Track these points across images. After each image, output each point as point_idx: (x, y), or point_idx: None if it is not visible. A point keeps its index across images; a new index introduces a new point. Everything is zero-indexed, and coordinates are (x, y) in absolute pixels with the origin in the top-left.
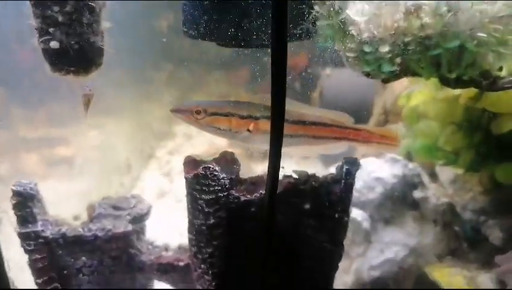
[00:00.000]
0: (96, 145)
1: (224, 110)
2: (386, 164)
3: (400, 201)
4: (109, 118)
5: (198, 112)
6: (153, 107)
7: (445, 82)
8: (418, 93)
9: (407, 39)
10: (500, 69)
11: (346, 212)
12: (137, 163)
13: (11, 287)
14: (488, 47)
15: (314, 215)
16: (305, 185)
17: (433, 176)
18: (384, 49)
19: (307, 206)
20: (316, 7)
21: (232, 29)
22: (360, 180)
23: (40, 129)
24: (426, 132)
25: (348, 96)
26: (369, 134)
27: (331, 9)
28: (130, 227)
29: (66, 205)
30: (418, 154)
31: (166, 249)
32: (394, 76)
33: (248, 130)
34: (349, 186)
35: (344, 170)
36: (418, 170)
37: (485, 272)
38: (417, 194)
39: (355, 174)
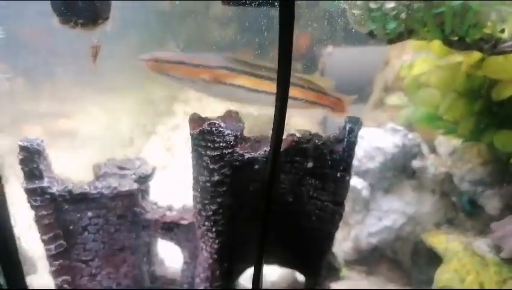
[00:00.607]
0: (100, 120)
1: (177, 58)
2: (387, 134)
3: (399, 170)
4: (112, 94)
5: (156, 60)
6: (155, 85)
7: (448, 43)
8: (420, 62)
9: None
10: (502, 31)
11: (348, 171)
12: (140, 138)
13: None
14: (491, 6)
15: (317, 174)
16: (308, 143)
17: (432, 148)
18: (390, 5)
19: (310, 164)
20: None
21: None
22: (361, 150)
23: (44, 103)
24: (427, 100)
25: (349, 74)
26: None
27: None
28: (135, 186)
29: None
30: (419, 123)
31: (170, 209)
32: (398, 36)
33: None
34: (351, 145)
35: (347, 128)
36: (417, 140)
37: (481, 238)
38: (416, 163)
39: (357, 132)
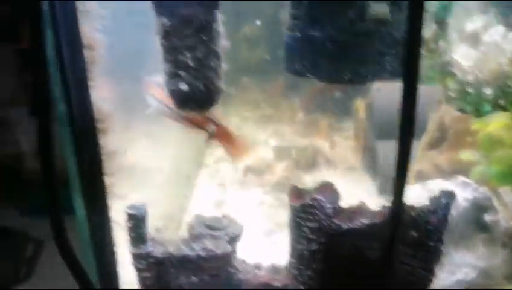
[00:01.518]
0: (153, 154)
1: None
2: (458, 188)
3: (470, 224)
4: (156, 124)
5: None
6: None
7: None
8: (494, 120)
9: (509, 82)
10: None
11: (441, 240)
12: (192, 171)
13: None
14: None
15: (411, 244)
16: (404, 215)
17: (502, 200)
18: (488, 91)
19: (405, 235)
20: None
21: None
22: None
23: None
24: (503, 159)
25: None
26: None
27: (436, 51)
28: (229, 248)
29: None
30: (494, 180)
31: (258, 267)
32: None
33: None
34: (446, 217)
35: (443, 201)
36: (488, 194)
37: None
38: (488, 217)
39: (450, 205)
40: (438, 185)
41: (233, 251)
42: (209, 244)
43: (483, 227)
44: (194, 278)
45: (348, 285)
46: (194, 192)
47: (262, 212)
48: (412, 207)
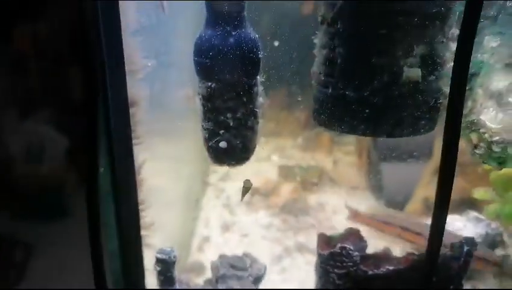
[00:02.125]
0: (160, 172)
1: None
2: (470, 223)
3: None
4: (159, 141)
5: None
6: (197, 129)
7: None
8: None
9: None
10: None
11: (461, 284)
12: (198, 191)
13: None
14: None
15: (433, 288)
16: (426, 261)
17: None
18: None
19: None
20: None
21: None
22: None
23: None
24: None
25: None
26: None
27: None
28: (253, 288)
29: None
30: (508, 219)
31: None
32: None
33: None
34: (467, 263)
35: (465, 250)
36: (500, 229)
37: None
38: (498, 252)
39: (472, 252)
40: (451, 219)
41: None
42: (234, 284)
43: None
44: None
45: None
46: (201, 214)
47: (270, 236)
48: (433, 253)
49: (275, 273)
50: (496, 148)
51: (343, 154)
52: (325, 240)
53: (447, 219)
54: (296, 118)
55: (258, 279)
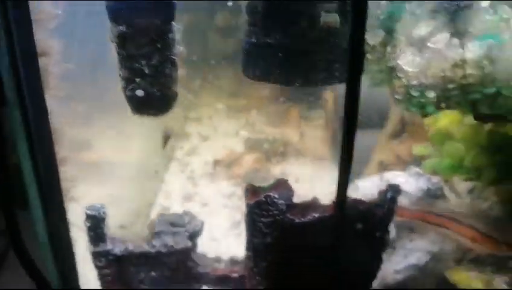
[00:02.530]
0: (121, 148)
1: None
2: (412, 178)
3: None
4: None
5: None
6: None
7: (479, 118)
8: (444, 116)
9: (450, 86)
10: None
11: (387, 231)
12: (161, 165)
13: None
14: None
15: (358, 235)
16: (352, 209)
17: (452, 187)
18: (431, 95)
19: (354, 227)
20: (368, 55)
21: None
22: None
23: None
24: (453, 152)
25: (364, 101)
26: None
27: (384, 57)
28: (188, 243)
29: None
30: (444, 172)
31: (218, 261)
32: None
33: None
34: (391, 210)
35: (388, 196)
36: (440, 183)
37: (501, 275)
38: (439, 204)
39: (395, 198)
40: (393, 176)
41: (194, 246)
42: (169, 240)
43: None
44: (154, 274)
45: (302, 276)
46: (163, 186)
47: (232, 205)
48: (360, 201)
49: (233, 237)
50: (414, 93)
51: (312, 128)
52: (252, 191)
53: (390, 175)
54: (267, 94)
55: (194, 234)
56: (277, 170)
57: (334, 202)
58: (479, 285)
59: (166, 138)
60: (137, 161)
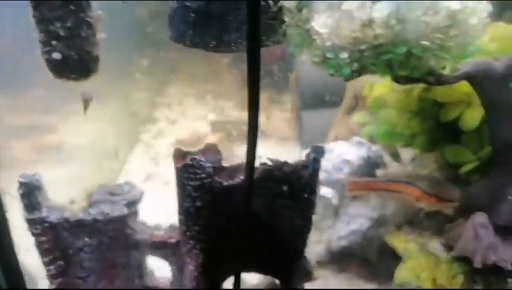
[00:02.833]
0: (84, 132)
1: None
2: (353, 147)
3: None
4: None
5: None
6: (137, 92)
7: (396, 80)
8: (379, 85)
9: (363, 47)
10: (444, 68)
11: (314, 192)
12: (125, 147)
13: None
14: (430, 52)
15: (287, 196)
16: (279, 171)
17: (396, 156)
18: (344, 55)
19: (281, 189)
20: (287, 18)
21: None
22: (330, 162)
23: (26, 117)
24: (386, 118)
25: (321, 80)
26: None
27: (300, 19)
28: (125, 211)
29: (59, 190)
30: (380, 138)
31: (158, 228)
32: (353, 75)
33: None
34: (315, 170)
35: (311, 157)
36: (380, 152)
37: (436, 238)
38: (379, 173)
39: (320, 160)
40: (336, 146)
41: (132, 214)
42: (106, 208)
43: None
44: (92, 241)
45: (234, 238)
46: (125, 166)
47: None
48: (286, 163)
49: None
50: (329, 54)
51: (280, 111)
52: (180, 154)
53: (333, 145)
54: (239, 80)
55: (131, 203)
56: (239, 150)
57: (265, 164)
58: (414, 247)
59: (86, 102)
60: (100, 143)
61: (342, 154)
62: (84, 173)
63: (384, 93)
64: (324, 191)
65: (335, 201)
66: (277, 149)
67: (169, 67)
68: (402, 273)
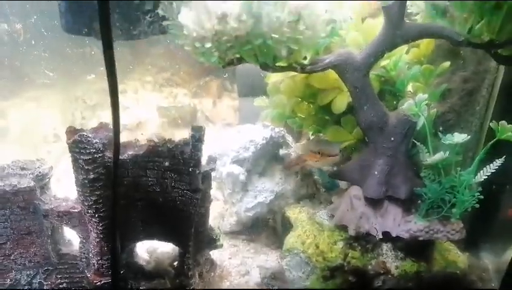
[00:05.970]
0: (34, 116)
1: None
2: (258, 129)
3: (269, 158)
4: (46, 91)
5: None
6: (90, 80)
7: (265, 68)
8: (276, 74)
9: (225, 38)
10: (305, 58)
11: (198, 166)
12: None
13: None
14: (282, 43)
15: (174, 170)
16: (163, 147)
17: (298, 137)
18: (208, 45)
19: (167, 163)
20: (160, 10)
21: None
22: (238, 143)
23: None
24: (278, 103)
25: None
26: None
27: (172, 12)
28: (32, 183)
29: None
30: (274, 120)
31: (66, 200)
32: (232, 63)
33: None
34: (197, 146)
35: (191, 134)
36: (282, 133)
37: (324, 209)
38: (282, 151)
39: (200, 137)
40: (246, 128)
41: (41, 187)
42: (14, 181)
43: (279, 159)
44: (5, 210)
45: (128, 210)
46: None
47: None
48: (170, 140)
49: None
50: (196, 44)
51: (231, 99)
52: (72, 131)
53: (242, 127)
54: (193, 70)
55: (40, 177)
56: (181, 134)
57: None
58: (304, 217)
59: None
60: (44, 128)
61: (248, 135)
62: (23, 156)
63: (279, 80)
64: (233, 168)
65: (243, 177)
66: (220, 134)
67: (131, 57)
68: (290, 240)
